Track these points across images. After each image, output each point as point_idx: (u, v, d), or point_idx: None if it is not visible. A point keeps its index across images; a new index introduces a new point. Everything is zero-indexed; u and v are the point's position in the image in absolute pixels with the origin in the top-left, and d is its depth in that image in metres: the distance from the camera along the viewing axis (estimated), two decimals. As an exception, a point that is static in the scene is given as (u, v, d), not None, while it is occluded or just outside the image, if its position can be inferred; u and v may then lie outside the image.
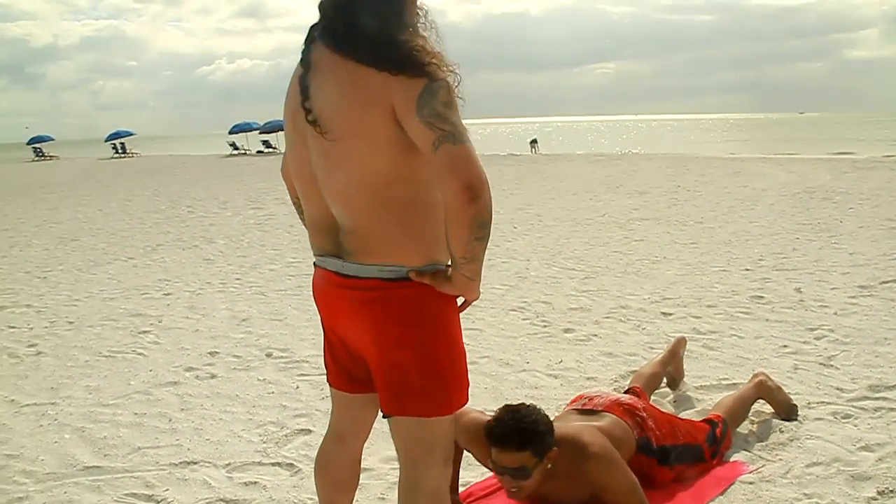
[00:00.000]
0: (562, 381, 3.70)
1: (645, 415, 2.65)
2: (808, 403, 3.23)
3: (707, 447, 2.71)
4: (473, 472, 2.74)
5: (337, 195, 1.65)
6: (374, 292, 1.64)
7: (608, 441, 2.38)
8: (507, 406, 2.33)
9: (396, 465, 2.39)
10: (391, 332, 1.66)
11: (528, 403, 2.36)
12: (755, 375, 3.24)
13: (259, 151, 36.51)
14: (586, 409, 2.64)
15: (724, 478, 2.61)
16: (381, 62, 1.51)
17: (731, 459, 2.76)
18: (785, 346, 4.05)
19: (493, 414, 2.34)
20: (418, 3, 1.65)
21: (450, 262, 1.63)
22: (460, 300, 1.74)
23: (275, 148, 36.70)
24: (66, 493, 2.66)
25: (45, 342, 4.70)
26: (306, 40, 1.68)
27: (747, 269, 6.09)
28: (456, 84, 1.56)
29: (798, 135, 51.93)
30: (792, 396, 3.23)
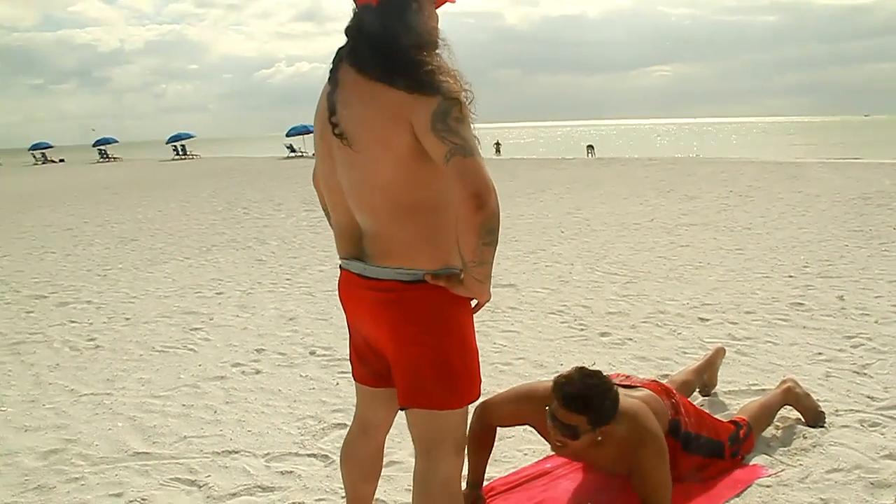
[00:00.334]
0: (592, 383, 3.77)
1: (678, 400, 2.74)
2: (836, 411, 3.25)
3: (728, 446, 2.76)
4: (498, 468, 2.85)
5: (360, 203, 1.79)
6: (392, 293, 1.78)
7: (662, 432, 2.46)
8: (583, 368, 2.38)
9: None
10: (407, 330, 1.79)
11: (604, 373, 2.40)
12: (783, 381, 3.27)
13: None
14: (624, 385, 2.70)
15: (741, 480, 2.66)
16: (399, 81, 1.65)
17: (751, 462, 2.80)
18: (820, 354, 4.04)
19: (565, 373, 2.39)
20: (436, 24, 1.79)
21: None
22: (474, 302, 1.86)
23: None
24: (116, 475, 2.88)
25: (103, 336, 4.98)
26: (334, 60, 1.82)
27: (791, 276, 6.04)
28: (469, 101, 1.68)
29: (862, 138, 50.35)
30: (821, 404, 3.25)
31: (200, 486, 2.77)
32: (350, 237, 1.87)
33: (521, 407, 2.57)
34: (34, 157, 47.97)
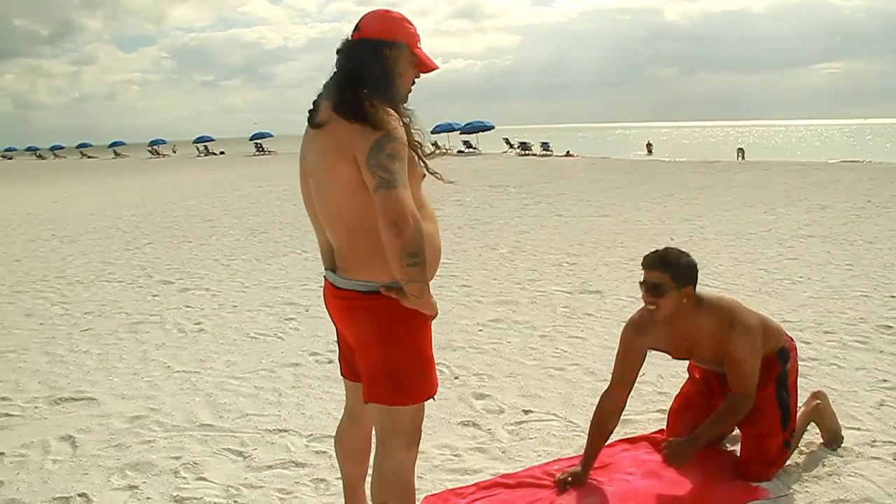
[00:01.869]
0: (635, 393, 3.78)
1: (793, 347, 3.05)
2: (873, 441, 3.17)
3: (791, 430, 2.93)
4: (507, 465, 3.05)
5: (327, 224, 2.10)
6: (353, 301, 2.07)
7: (759, 328, 2.82)
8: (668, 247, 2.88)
9: (447, 451, 2.97)
10: (364, 334, 2.08)
11: (680, 249, 2.85)
12: (814, 395, 3.23)
13: (460, 151, 37.94)
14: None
15: (737, 498, 2.70)
16: (349, 113, 1.92)
17: (754, 484, 2.82)
18: (885, 381, 3.90)
19: None
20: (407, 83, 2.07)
21: None
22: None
23: (475, 148, 37.91)
24: (180, 441, 3.35)
25: (208, 321, 5.58)
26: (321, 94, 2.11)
27: (892, 296, 5.72)
28: (418, 139, 1.95)
29: None
30: (860, 432, 3.22)
31: (245, 457, 3.18)
32: (327, 251, 2.20)
33: (633, 341, 2.99)
34: (197, 149, 52.16)
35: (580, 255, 8.18)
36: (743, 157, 31.58)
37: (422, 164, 2.05)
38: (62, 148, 69.51)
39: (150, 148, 56.37)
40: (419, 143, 2.03)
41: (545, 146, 35.19)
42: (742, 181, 17.40)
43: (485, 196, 15.08)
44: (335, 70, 2.06)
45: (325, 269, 2.21)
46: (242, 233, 10.62)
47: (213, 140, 55.29)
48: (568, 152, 34.65)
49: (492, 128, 40.68)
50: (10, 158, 66.76)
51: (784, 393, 2.95)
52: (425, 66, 2.10)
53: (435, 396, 2.17)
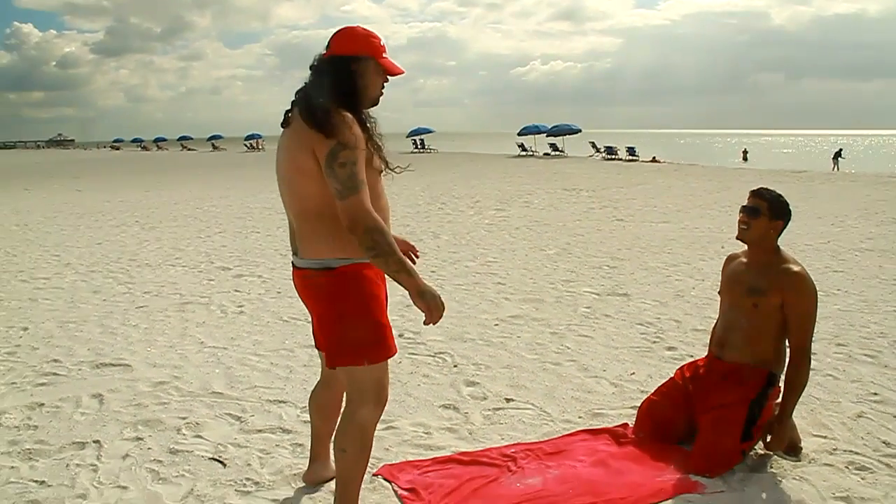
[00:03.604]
0: (618, 390, 4.02)
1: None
2: (833, 450, 3.23)
3: (749, 439, 3.12)
4: (472, 444, 3.30)
5: (289, 207, 2.45)
6: (308, 279, 2.42)
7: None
8: None
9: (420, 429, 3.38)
10: (318, 306, 2.44)
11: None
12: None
13: (546, 153, 37.91)
14: None
15: (666, 490, 2.84)
16: (309, 120, 2.26)
17: (692, 477, 2.96)
18: (875, 394, 3.91)
19: None
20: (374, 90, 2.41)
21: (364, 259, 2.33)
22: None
23: (561, 151, 37.77)
24: (190, 405, 3.78)
25: (250, 305, 6.05)
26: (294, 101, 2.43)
27: (927, 314, 5.62)
28: (375, 152, 2.31)
29: None
30: (825, 440, 3.29)
31: (242, 421, 3.56)
32: (293, 233, 2.52)
33: (723, 268, 3.46)
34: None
35: (624, 259, 8.27)
36: (837, 168, 30.46)
37: (379, 160, 2.40)
38: (165, 140, 73.42)
39: (245, 142, 58.76)
40: (378, 145, 2.39)
41: (631, 151, 34.73)
42: (823, 192, 16.86)
43: (554, 199, 15.21)
44: (306, 82, 2.39)
45: (293, 253, 2.52)
46: (308, 225, 11.13)
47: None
48: (654, 158, 34.06)
49: (578, 131, 40.37)
50: (117, 149, 71.03)
51: (756, 412, 3.11)
52: (392, 72, 2.43)
53: (392, 357, 2.51)
